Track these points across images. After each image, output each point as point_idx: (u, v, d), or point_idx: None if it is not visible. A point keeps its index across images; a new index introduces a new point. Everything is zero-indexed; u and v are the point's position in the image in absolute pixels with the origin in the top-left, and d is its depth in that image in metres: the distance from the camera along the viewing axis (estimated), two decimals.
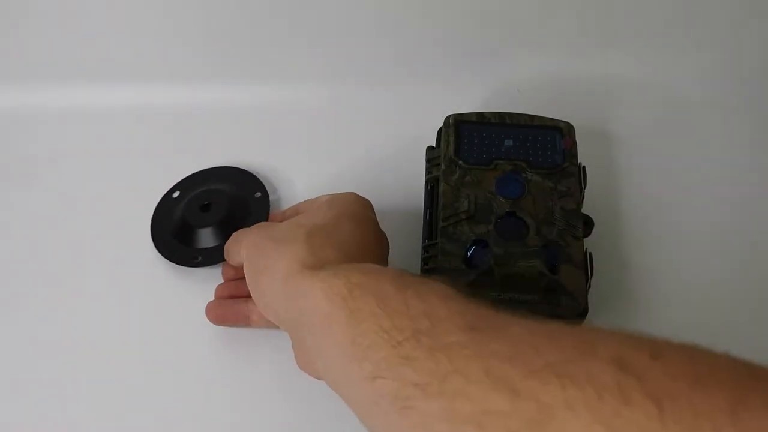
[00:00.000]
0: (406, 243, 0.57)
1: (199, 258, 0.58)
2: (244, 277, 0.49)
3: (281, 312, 0.45)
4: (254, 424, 0.51)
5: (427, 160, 0.56)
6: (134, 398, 0.52)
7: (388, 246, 0.50)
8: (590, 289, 0.49)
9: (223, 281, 0.56)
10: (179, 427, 0.51)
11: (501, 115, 0.57)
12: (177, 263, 0.58)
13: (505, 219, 0.51)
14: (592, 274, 0.49)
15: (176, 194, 0.63)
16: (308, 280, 0.41)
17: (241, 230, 0.53)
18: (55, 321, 0.55)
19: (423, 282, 0.38)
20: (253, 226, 0.52)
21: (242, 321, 0.53)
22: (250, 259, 0.48)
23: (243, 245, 0.50)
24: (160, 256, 0.59)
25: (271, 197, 0.62)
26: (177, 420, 0.51)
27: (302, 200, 0.62)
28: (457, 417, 0.30)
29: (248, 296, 0.49)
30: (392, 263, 0.58)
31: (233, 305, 0.53)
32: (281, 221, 0.52)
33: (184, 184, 0.63)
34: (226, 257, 0.54)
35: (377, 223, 0.51)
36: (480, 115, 0.57)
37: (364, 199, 0.52)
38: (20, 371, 0.53)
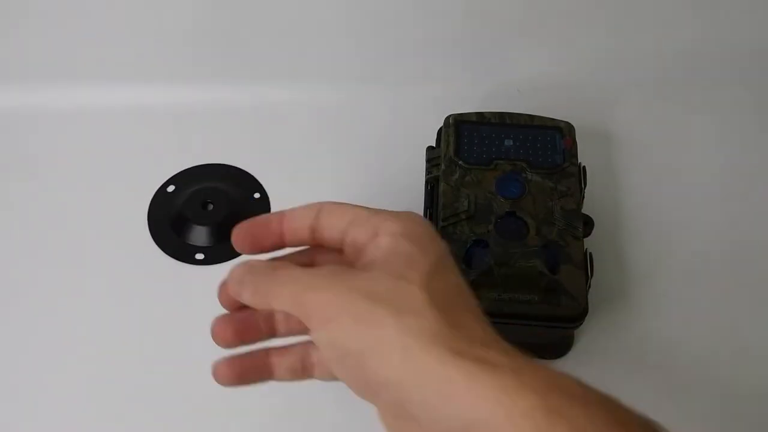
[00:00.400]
0: None
1: (203, 256, 0.59)
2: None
3: (426, 419, 0.30)
4: (254, 422, 0.51)
5: (427, 160, 0.56)
6: (133, 394, 0.52)
7: None
8: (590, 289, 0.49)
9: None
10: (179, 426, 0.51)
11: (501, 115, 0.57)
12: (177, 259, 0.59)
13: (505, 219, 0.51)
14: (592, 274, 0.49)
15: (171, 188, 0.63)
16: (465, 373, 0.29)
17: (278, 264, 0.35)
18: (55, 319, 0.55)
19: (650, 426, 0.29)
20: (310, 271, 0.34)
21: (265, 375, 0.38)
22: (332, 332, 0.32)
23: (308, 304, 0.33)
24: (159, 256, 0.59)
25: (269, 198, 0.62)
26: (177, 418, 0.51)
27: (302, 201, 0.62)
28: None
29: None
30: None
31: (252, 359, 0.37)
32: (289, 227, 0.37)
33: (179, 178, 0.64)
34: (242, 291, 0.35)
35: None
36: (480, 115, 0.57)
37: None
38: (20, 369, 0.54)
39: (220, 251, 0.59)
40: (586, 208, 0.53)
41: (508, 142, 0.55)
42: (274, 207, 0.62)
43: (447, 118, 0.56)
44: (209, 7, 0.66)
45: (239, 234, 0.37)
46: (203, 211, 0.61)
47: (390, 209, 0.59)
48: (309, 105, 0.68)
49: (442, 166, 0.54)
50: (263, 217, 0.38)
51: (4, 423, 0.51)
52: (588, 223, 0.53)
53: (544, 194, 0.52)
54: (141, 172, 0.64)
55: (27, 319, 0.56)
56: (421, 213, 0.55)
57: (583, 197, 0.53)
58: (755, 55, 0.70)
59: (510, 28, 0.69)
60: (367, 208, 0.37)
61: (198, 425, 0.51)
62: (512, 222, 0.51)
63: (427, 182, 0.55)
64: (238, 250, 0.37)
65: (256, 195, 0.63)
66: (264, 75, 0.69)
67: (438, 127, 0.57)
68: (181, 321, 0.55)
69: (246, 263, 0.35)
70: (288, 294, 0.33)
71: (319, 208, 0.37)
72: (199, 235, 0.60)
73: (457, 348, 0.30)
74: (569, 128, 0.56)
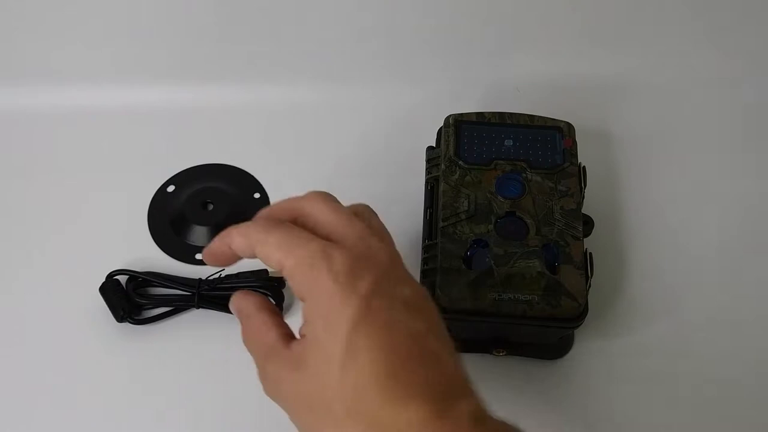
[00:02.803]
0: (406, 243, 0.57)
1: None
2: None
3: None
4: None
5: (427, 160, 0.56)
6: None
7: None
8: (590, 289, 0.49)
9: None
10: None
11: (501, 115, 0.57)
12: (177, 259, 0.59)
13: (505, 219, 0.51)
14: (592, 274, 0.49)
15: (171, 188, 0.63)
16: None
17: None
18: (55, 319, 0.56)
19: None
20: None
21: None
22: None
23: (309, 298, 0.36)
24: (159, 256, 0.59)
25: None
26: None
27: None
28: None
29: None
30: None
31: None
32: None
33: (179, 178, 0.64)
34: (246, 246, 0.39)
35: None
36: (480, 115, 0.57)
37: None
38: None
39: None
40: (586, 208, 0.53)
41: (508, 142, 0.55)
42: None
43: (447, 118, 0.56)
44: (209, 7, 0.66)
45: (207, 258, 0.42)
46: (203, 211, 0.61)
47: (390, 209, 0.59)
48: (309, 105, 0.68)
49: (442, 166, 0.54)
50: (214, 244, 0.41)
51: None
52: (588, 223, 0.53)
53: (544, 194, 0.52)
54: (141, 172, 0.64)
55: (27, 315, 0.56)
56: (421, 213, 0.55)
57: (583, 197, 0.53)
58: (755, 54, 0.70)
59: (510, 27, 0.69)
60: (291, 249, 0.37)
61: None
62: (512, 222, 0.51)
63: (427, 182, 0.55)
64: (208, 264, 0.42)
65: (256, 195, 0.63)
66: (264, 75, 0.69)
67: (438, 127, 0.57)
68: (182, 321, 0.55)
69: None
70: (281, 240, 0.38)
71: (249, 244, 0.39)
72: (199, 235, 0.60)
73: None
74: (569, 128, 0.56)
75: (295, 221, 0.40)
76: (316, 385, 0.35)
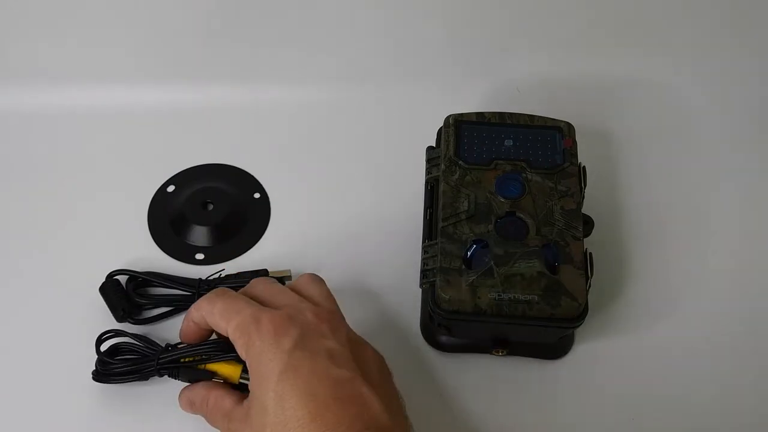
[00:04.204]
0: (406, 243, 0.57)
1: (203, 256, 0.59)
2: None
3: None
4: None
5: (427, 160, 0.56)
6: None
7: None
8: (590, 289, 0.49)
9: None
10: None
11: (501, 115, 0.57)
12: (177, 259, 0.59)
13: (505, 219, 0.51)
14: (592, 274, 0.49)
15: (171, 188, 0.63)
16: None
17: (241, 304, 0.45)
18: (54, 319, 0.56)
19: None
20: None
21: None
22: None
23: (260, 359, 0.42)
24: (159, 256, 0.59)
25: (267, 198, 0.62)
26: None
27: (302, 200, 0.63)
28: None
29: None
30: (392, 263, 0.58)
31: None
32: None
33: (179, 178, 0.64)
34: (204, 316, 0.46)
35: None
36: (480, 115, 0.57)
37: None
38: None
39: (220, 251, 0.59)
40: (586, 208, 0.53)
41: (508, 142, 0.55)
42: (274, 207, 0.62)
43: (447, 118, 0.56)
44: (210, 6, 0.66)
45: (183, 339, 0.49)
46: (203, 211, 0.61)
47: (390, 209, 0.59)
48: (309, 105, 0.68)
49: (442, 166, 0.54)
50: (183, 325, 0.49)
51: None
52: (588, 223, 0.53)
53: (544, 194, 0.52)
54: (141, 172, 0.64)
55: (27, 315, 0.56)
56: (421, 213, 0.55)
57: (583, 197, 0.53)
58: (755, 54, 0.70)
59: (509, 27, 0.69)
60: (230, 317, 0.44)
61: None
62: (512, 222, 0.51)
63: (427, 182, 0.55)
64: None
65: (256, 195, 0.63)
66: (264, 75, 0.69)
67: (438, 127, 0.57)
68: (181, 321, 0.55)
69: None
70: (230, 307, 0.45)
71: (198, 322, 0.47)
72: (199, 235, 0.60)
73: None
74: (569, 128, 0.56)
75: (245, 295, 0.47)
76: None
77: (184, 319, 0.48)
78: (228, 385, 0.47)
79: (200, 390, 0.47)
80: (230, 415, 0.44)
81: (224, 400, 0.45)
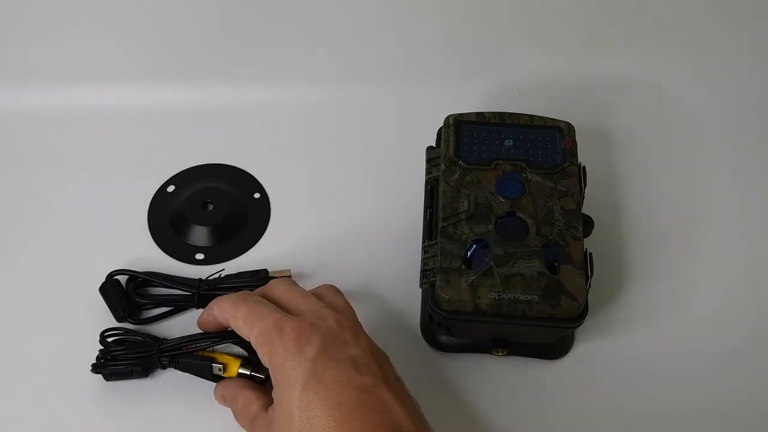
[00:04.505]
0: (406, 243, 0.57)
1: (203, 256, 0.59)
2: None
3: None
4: None
5: (427, 160, 0.56)
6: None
7: None
8: (590, 289, 0.49)
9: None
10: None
11: (501, 115, 0.57)
12: (177, 259, 0.59)
13: (505, 219, 0.51)
14: (592, 274, 0.49)
15: (171, 188, 0.63)
16: None
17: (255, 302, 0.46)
18: (54, 318, 0.56)
19: None
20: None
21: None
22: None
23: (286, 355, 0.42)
24: (159, 256, 0.59)
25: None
26: None
27: (301, 200, 0.63)
28: None
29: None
30: (392, 263, 0.58)
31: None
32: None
33: (179, 178, 0.64)
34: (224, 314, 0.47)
35: None
36: (480, 115, 0.57)
37: None
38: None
39: (220, 251, 0.59)
40: (586, 208, 0.53)
41: (508, 142, 0.55)
42: (274, 207, 0.62)
43: (447, 118, 0.56)
44: (209, 6, 0.66)
45: (200, 327, 0.50)
46: (203, 211, 0.61)
47: (390, 209, 0.59)
48: (309, 105, 0.68)
49: (442, 166, 0.54)
50: (203, 316, 0.49)
51: None
52: (588, 223, 0.53)
53: (544, 194, 0.52)
54: (141, 172, 0.64)
55: (27, 315, 0.56)
56: (421, 213, 0.55)
57: (583, 197, 0.53)
58: (755, 54, 0.70)
59: (510, 27, 0.69)
60: (253, 324, 0.44)
61: None
62: (512, 222, 0.51)
63: (427, 182, 0.55)
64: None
65: (256, 195, 0.63)
66: (264, 75, 0.69)
67: (438, 127, 0.57)
68: (181, 321, 0.55)
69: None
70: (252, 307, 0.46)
71: (220, 322, 0.48)
72: (199, 235, 0.60)
73: None
74: (569, 128, 0.56)
75: (265, 297, 0.48)
76: None
77: (204, 312, 0.49)
78: (258, 386, 0.48)
79: (232, 388, 0.48)
80: (254, 422, 0.45)
81: (252, 404, 0.46)
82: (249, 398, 0.46)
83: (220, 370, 0.48)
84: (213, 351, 0.49)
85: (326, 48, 0.69)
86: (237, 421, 0.47)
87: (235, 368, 0.48)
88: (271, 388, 0.44)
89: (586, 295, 0.49)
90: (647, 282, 0.58)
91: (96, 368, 0.51)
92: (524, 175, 0.53)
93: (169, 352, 0.50)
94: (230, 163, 0.65)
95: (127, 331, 0.53)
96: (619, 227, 0.61)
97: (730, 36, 0.70)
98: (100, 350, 0.51)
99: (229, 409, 0.48)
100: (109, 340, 0.52)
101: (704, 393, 0.53)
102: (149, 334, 0.53)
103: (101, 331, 0.52)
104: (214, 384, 0.50)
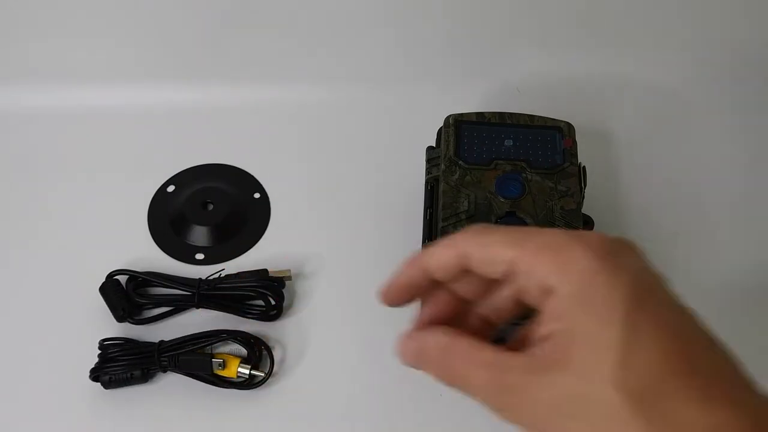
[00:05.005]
0: (406, 243, 0.57)
1: (203, 256, 0.59)
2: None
3: None
4: None
5: (427, 160, 0.56)
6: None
7: None
8: None
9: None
10: None
11: (501, 115, 0.57)
12: (177, 259, 0.59)
13: (505, 219, 0.51)
14: None
15: (171, 188, 0.63)
16: None
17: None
18: (53, 319, 0.56)
19: None
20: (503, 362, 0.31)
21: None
22: None
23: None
24: (159, 256, 0.59)
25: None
26: None
27: (301, 201, 0.62)
28: None
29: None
30: (392, 263, 0.58)
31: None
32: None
33: (179, 178, 0.64)
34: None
35: None
36: (480, 115, 0.57)
37: None
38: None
39: (220, 251, 0.59)
40: (586, 208, 0.53)
41: (508, 142, 0.55)
42: (274, 207, 0.62)
43: (447, 118, 0.56)
44: (209, 6, 0.66)
45: (389, 298, 0.37)
46: (203, 211, 0.61)
47: (390, 209, 0.58)
48: (309, 105, 0.68)
49: (442, 166, 0.54)
50: (402, 273, 0.36)
51: None
52: (588, 223, 0.53)
53: (544, 194, 0.52)
54: (141, 172, 0.64)
55: (27, 315, 0.56)
56: (421, 213, 0.55)
57: (583, 197, 0.53)
58: (755, 54, 0.70)
59: (510, 27, 0.69)
60: (522, 241, 0.31)
61: None
62: (512, 222, 0.51)
63: (427, 182, 0.55)
64: (387, 305, 0.37)
65: (256, 195, 0.63)
66: (264, 75, 0.69)
67: (438, 127, 0.57)
68: (181, 321, 0.55)
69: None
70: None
71: (462, 253, 0.33)
72: (199, 235, 0.60)
73: None
74: (569, 128, 0.56)
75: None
76: (583, 385, 0.28)
77: (402, 269, 0.36)
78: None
79: (437, 336, 0.34)
80: (501, 365, 0.31)
81: (484, 348, 0.33)
82: (473, 344, 0.33)
83: (220, 365, 0.49)
84: (212, 350, 0.49)
85: (326, 48, 0.69)
86: (448, 377, 0.33)
87: (235, 366, 0.48)
88: None
89: None
90: None
91: (94, 373, 0.51)
92: (524, 175, 0.53)
93: (169, 351, 0.50)
94: (230, 163, 0.65)
95: (127, 341, 0.53)
96: (619, 227, 0.61)
97: (730, 36, 0.70)
98: (99, 355, 0.51)
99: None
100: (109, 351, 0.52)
101: None
102: (148, 342, 0.53)
103: (100, 339, 0.52)
104: (213, 388, 0.50)
